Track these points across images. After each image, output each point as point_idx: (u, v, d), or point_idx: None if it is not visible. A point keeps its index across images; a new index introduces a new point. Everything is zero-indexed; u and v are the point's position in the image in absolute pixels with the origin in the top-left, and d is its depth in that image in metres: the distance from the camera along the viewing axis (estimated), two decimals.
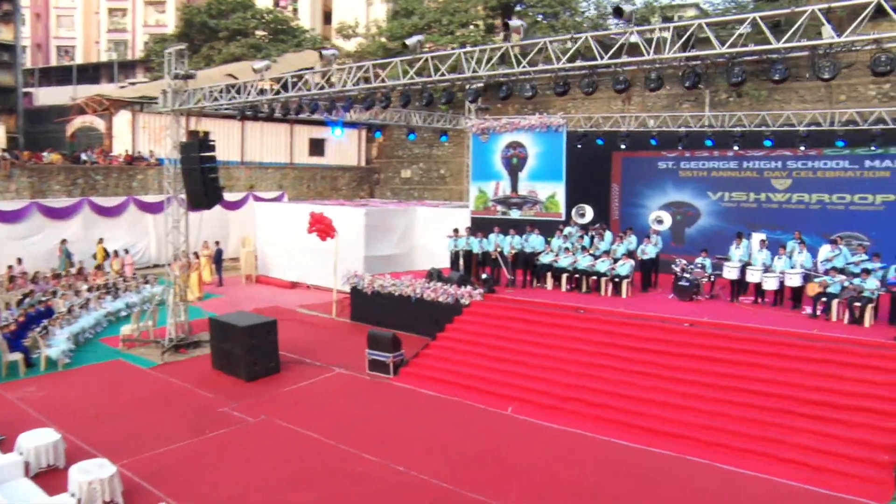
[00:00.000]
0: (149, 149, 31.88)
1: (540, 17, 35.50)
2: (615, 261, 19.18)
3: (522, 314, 17.63)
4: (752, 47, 13.10)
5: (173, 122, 19.01)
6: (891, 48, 12.63)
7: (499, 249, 19.96)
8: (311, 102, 18.03)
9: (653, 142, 22.20)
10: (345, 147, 35.10)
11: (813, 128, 20.13)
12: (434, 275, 19.65)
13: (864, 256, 16.57)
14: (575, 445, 13.01)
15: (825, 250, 17.38)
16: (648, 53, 13.50)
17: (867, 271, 15.63)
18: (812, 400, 13.11)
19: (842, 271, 16.24)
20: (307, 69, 19.35)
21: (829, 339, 14.43)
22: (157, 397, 15.07)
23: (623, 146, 22.69)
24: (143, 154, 31.51)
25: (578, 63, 14.04)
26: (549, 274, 19.81)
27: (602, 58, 13.80)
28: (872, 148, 19.29)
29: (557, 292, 19.44)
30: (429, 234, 25.16)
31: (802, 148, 20.15)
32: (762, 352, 14.41)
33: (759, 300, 17.75)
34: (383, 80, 16.40)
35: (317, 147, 34.84)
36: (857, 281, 15.61)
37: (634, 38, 13.60)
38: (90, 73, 57.23)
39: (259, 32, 45.36)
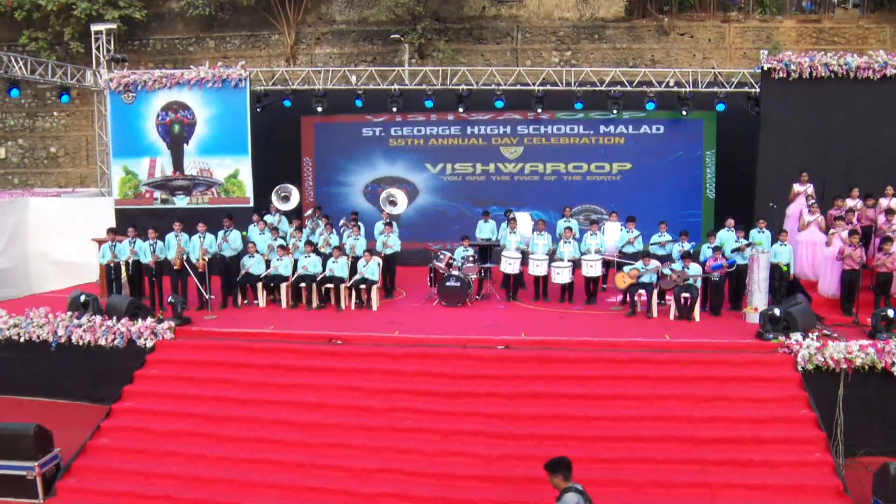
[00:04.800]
0: None
1: None
2: (355, 259, 13.24)
3: (246, 356, 10.82)
4: None
5: None
6: None
7: (184, 256, 12.70)
8: None
9: (358, 103, 16.45)
10: None
11: (549, 87, 16.19)
12: (88, 303, 11.71)
13: (668, 236, 13.00)
14: None
15: (614, 230, 13.48)
16: None
17: (689, 255, 11.99)
18: (716, 438, 9.08)
19: (648, 255, 12.46)
20: None
21: (688, 346, 10.41)
22: None
23: (319, 108, 16.55)
24: None
25: None
26: (260, 285, 13.14)
27: None
28: (614, 112, 15.96)
29: (276, 310, 12.94)
30: (52, 237, 16.32)
31: (539, 110, 16.14)
32: (623, 376, 9.90)
33: (542, 297, 13.30)
34: None
35: None
36: (677, 266, 11.87)
37: None
38: None
39: None
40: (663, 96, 16.02)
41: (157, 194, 16.49)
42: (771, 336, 10.26)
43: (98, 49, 17.64)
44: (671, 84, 16.15)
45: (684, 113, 15.81)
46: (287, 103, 16.79)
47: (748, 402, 9.43)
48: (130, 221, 14.21)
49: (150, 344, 11.09)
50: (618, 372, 9.93)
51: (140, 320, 11.33)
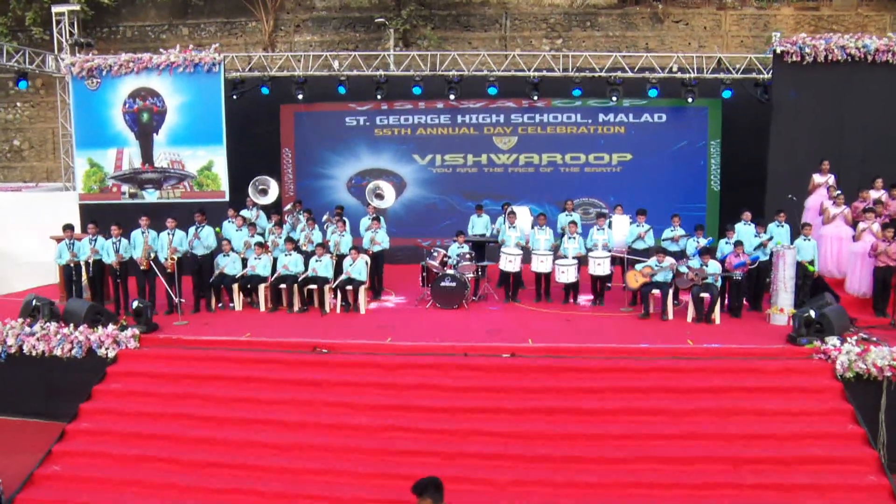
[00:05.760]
0: None
1: None
2: (340, 258, 11.95)
3: (219, 367, 9.52)
4: None
5: None
6: None
7: (151, 255, 11.31)
8: None
9: (341, 90, 15.11)
10: None
11: (545, 73, 14.95)
12: (42, 309, 10.30)
13: (680, 230, 11.82)
14: None
15: (621, 224, 12.28)
16: None
17: (708, 251, 10.82)
18: (754, 458, 7.95)
19: (660, 251, 11.27)
20: None
21: (714, 353, 9.23)
22: None
23: (300, 96, 15.19)
24: None
25: None
26: (236, 287, 11.80)
27: None
28: (613, 99, 14.73)
29: (254, 314, 11.62)
30: (10, 235, 14.80)
31: (534, 97, 14.87)
32: (645, 387, 8.75)
33: (544, 297, 12.08)
34: None
35: None
36: (694, 264, 10.71)
37: None
38: None
39: None
40: (665, 83, 14.82)
41: (125, 188, 15.03)
42: (805, 341, 9.13)
43: (60, 33, 16.10)
44: (674, 70, 15.00)
45: (689, 100, 14.63)
46: (265, 90, 15.43)
47: (787, 415, 8.30)
48: (96, 217, 12.77)
49: (112, 354, 9.74)
50: (638, 383, 8.76)
51: (100, 327, 9.97)
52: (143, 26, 21.80)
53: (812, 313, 9.26)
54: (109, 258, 11.27)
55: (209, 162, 14.84)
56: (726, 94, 14.65)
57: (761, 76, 14.54)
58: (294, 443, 8.28)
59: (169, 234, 11.42)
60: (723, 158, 15.68)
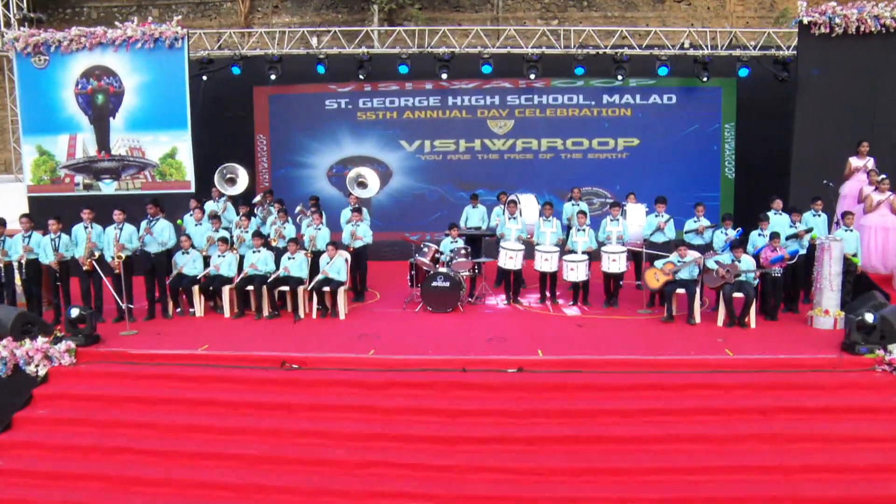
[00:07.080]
0: None
1: None
2: (317, 255, 10.27)
3: (169, 388, 7.84)
4: None
5: None
6: None
7: (96, 253, 9.59)
8: None
9: (320, 69, 13.41)
10: None
11: (545, 49, 13.33)
12: None
13: (705, 221, 10.21)
14: None
15: (636, 214, 10.67)
16: None
17: (740, 244, 9.22)
18: (824, 497, 6.30)
19: (683, 244, 9.64)
20: None
21: (758, 364, 7.64)
22: None
23: (273, 76, 13.50)
24: None
25: None
26: (196, 289, 10.09)
27: None
28: (619, 78, 13.18)
29: (217, 321, 9.92)
30: None
31: (532, 76, 13.25)
32: (680, 408, 7.21)
33: (550, 298, 10.46)
34: None
35: None
36: (726, 259, 9.12)
37: None
38: None
39: None
40: (675, 61, 13.27)
41: (79, 179, 13.25)
42: (865, 349, 7.58)
43: (7, 7, 14.28)
44: (686, 46, 13.43)
45: (704, 79, 13.07)
46: (236, 70, 13.72)
47: (855, 442, 6.76)
48: (47, 211, 10.98)
49: (42, 372, 8.05)
50: (672, 403, 7.18)
51: (32, 341, 8.25)
52: (110, 7, 19.93)
53: (868, 316, 7.70)
54: (47, 258, 9.52)
55: (173, 149, 13.10)
56: (743, 72, 13.12)
57: (781, 52, 13.04)
58: (255, 483, 6.61)
59: (116, 228, 9.69)
60: (738, 143, 14.13)
